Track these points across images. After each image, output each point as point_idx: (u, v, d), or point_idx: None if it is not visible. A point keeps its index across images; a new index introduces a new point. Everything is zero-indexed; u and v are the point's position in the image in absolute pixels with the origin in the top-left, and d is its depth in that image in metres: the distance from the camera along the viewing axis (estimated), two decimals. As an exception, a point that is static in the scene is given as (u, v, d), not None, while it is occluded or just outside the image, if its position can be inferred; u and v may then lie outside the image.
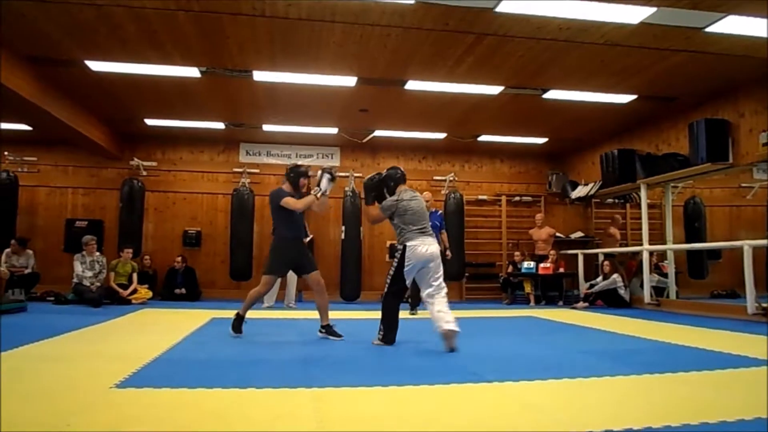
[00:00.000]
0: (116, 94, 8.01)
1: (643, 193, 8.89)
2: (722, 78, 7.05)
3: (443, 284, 4.55)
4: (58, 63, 6.80)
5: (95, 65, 6.82)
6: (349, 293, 9.88)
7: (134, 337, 5.18)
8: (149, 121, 9.49)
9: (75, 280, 8.35)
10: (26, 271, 8.68)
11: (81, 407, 2.59)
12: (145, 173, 10.21)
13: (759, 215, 10.97)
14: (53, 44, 6.26)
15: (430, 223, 4.74)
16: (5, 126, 9.13)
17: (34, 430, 2.22)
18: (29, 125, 9.02)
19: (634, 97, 7.86)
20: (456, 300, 10.64)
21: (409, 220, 4.59)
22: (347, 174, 10.35)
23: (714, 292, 10.41)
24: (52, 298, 8.62)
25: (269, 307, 8.35)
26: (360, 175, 10.41)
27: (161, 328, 5.89)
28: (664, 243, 8.95)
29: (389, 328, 4.63)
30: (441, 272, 4.55)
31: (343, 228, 9.97)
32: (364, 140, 10.17)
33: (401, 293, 4.76)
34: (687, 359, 4.09)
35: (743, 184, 10.68)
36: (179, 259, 9.71)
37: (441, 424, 2.42)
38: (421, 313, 7.26)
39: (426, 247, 4.52)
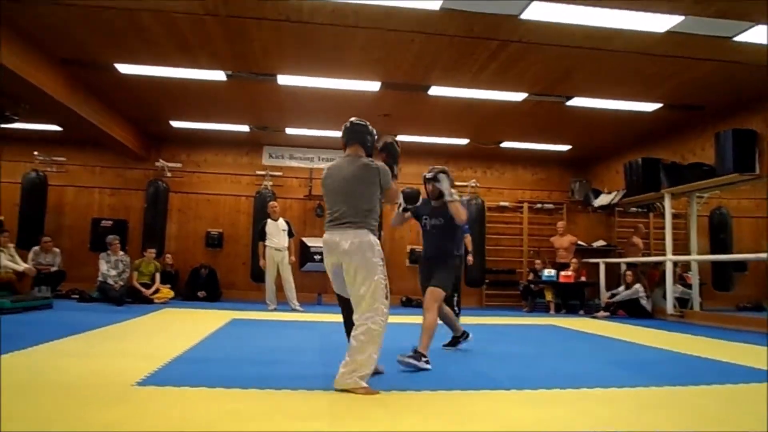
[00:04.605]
0: (143, 96, 8.16)
1: (667, 203, 8.77)
2: (750, 88, 6.93)
3: (379, 308, 3.18)
4: (88, 65, 6.95)
5: (124, 68, 6.95)
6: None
7: (156, 336, 5.26)
8: (175, 123, 9.63)
9: (99, 278, 8.51)
10: (53, 269, 8.86)
11: (103, 404, 2.64)
12: (169, 174, 10.36)
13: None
14: (84, 47, 6.41)
15: (357, 207, 3.28)
16: (36, 126, 9.36)
17: (57, 425, 2.27)
18: (59, 125, 9.23)
19: (659, 105, 7.77)
20: (476, 307, 10.61)
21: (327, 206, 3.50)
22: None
23: (739, 305, 10.21)
24: (77, 296, 8.79)
25: (275, 309, 8.39)
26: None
27: (182, 327, 5.98)
28: (688, 253, 8.81)
29: None
30: (369, 281, 3.18)
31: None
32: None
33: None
34: (708, 372, 4.03)
35: (771, 196, 10.47)
36: (204, 270, 9.85)
37: (461, 429, 2.42)
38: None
39: (331, 245, 3.30)
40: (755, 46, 5.64)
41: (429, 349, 3.94)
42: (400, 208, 4.32)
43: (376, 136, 3.59)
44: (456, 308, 7.67)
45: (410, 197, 4.30)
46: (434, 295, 4.18)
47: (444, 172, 4.30)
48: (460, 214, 4.23)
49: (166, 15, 5.52)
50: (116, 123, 9.06)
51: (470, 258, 7.58)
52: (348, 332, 3.39)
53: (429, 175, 4.40)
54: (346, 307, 3.44)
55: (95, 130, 8.52)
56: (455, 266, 4.46)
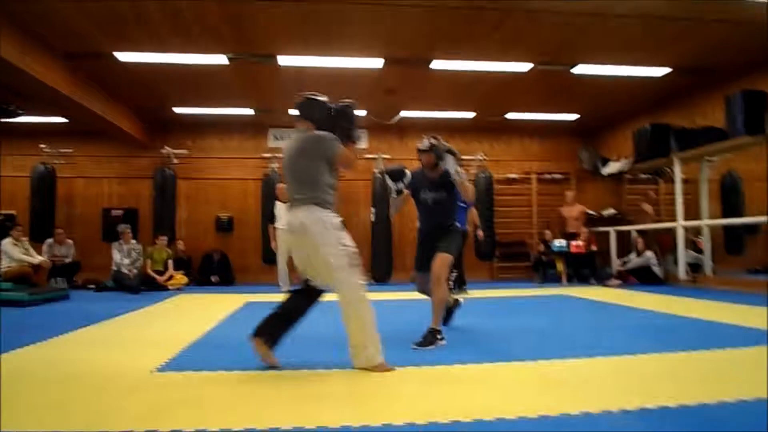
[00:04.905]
0: (146, 84, 8.14)
1: (677, 168, 8.69)
2: (760, 48, 6.79)
3: (340, 280, 3.06)
4: (88, 56, 6.93)
5: (124, 56, 6.93)
6: (381, 275, 9.94)
7: (173, 322, 5.32)
8: (178, 110, 9.62)
9: (114, 267, 8.61)
10: (67, 261, 8.96)
11: (126, 391, 2.68)
12: (176, 161, 10.37)
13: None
14: (84, 38, 6.39)
15: (303, 182, 3.19)
16: (42, 119, 9.37)
17: (80, 414, 2.32)
18: (64, 117, 9.24)
19: (668, 70, 7.65)
20: (487, 280, 10.63)
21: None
22: (375, 156, 10.37)
23: (751, 268, 10.16)
24: (93, 286, 8.89)
25: (288, 291, 8.35)
26: (389, 156, 10.42)
27: (198, 312, 6.04)
28: (699, 219, 8.75)
29: None
30: (328, 257, 3.05)
31: (373, 210, 10.00)
32: (392, 122, 10.14)
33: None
34: (723, 336, 4.02)
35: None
36: (216, 255, 9.91)
37: (474, 402, 2.44)
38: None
39: (289, 225, 3.24)
40: (764, 5, 5.52)
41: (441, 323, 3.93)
42: (393, 192, 4.14)
43: (332, 108, 3.39)
44: (463, 284, 7.72)
45: (395, 173, 4.10)
46: (443, 260, 3.92)
47: (450, 151, 4.07)
48: (469, 192, 4.06)
49: (164, 1, 5.48)
50: (120, 112, 9.06)
51: (480, 232, 7.52)
52: (283, 314, 3.22)
53: (423, 147, 4.08)
54: (297, 290, 3.33)
55: (100, 120, 8.52)
56: (459, 233, 4.24)
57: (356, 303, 3.05)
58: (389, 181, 4.12)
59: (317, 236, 3.06)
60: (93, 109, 7.97)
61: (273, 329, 3.17)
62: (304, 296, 3.29)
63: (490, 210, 10.37)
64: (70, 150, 10.31)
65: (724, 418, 2.20)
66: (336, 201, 3.27)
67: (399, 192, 4.12)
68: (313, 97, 3.40)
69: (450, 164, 4.03)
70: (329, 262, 3.04)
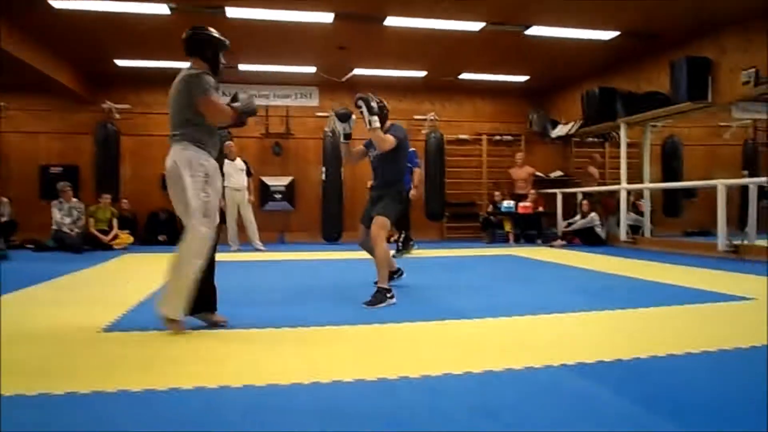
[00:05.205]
0: (83, 34, 7.68)
1: (622, 132, 8.92)
2: (706, 14, 6.96)
3: (192, 225, 3.03)
4: (19, 2, 6.47)
5: (58, 3, 6.50)
6: (331, 234, 9.94)
7: (119, 282, 5.20)
8: (120, 62, 9.17)
9: (54, 227, 8.30)
10: (3, 220, 8.56)
11: (72, 350, 2.64)
12: (118, 116, 9.94)
13: (735, 154, 11.11)
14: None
15: (174, 120, 3.19)
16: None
17: (29, 374, 2.25)
18: (-6, 68, 8.67)
19: (616, 33, 7.76)
20: (437, 239, 10.78)
21: None
22: (327, 114, 10.22)
23: (687, 230, 10.65)
24: (32, 246, 8.54)
25: (238, 250, 8.37)
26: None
27: (144, 272, 5.91)
28: (642, 182, 9.07)
29: None
30: (182, 199, 3.04)
31: (324, 169, 9.91)
32: (343, 79, 9.97)
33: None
34: (661, 295, 4.22)
35: (721, 123, 10.76)
36: (163, 214, 9.60)
37: (422, 359, 2.50)
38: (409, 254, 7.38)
39: None
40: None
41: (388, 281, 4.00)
42: (342, 137, 4.20)
43: (218, 44, 3.31)
44: (410, 242, 7.79)
45: (342, 115, 4.14)
46: (379, 222, 4.08)
47: (363, 98, 3.99)
48: (382, 142, 4.06)
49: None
50: (57, 64, 8.56)
51: (414, 193, 7.22)
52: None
53: (356, 105, 4.05)
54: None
55: (34, 72, 8.04)
56: (400, 196, 4.32)
57: (190, 256, 2.99)
58: (337, 123, 4.18)
59: (178, 177, 3.00)
60: (26, 60, 7.49)
61: (202, 299, 3.09)
62: None
63: (441, 170, 10.43)
64: (2, 103, 9.72)
65: (655, 370, 2.33)
66: (211, 139, 3.16)
67: (347, 136, 4.20)
68: (202, 29, 3.29)
69: (364, 112, 3.97)
70: (189, 203, 2.99)
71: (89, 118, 9.94)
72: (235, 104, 3.22)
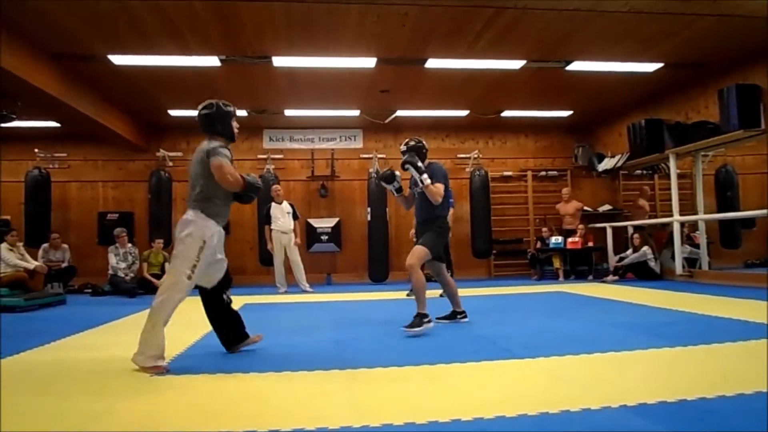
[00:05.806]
0: (139, 87, 8.11)
1: (672, 163, 8.71)
2: (752, 41, 6.81)
3: (170, 282, 3.32)
4: (81, 58, 6.89)
5: (117, 59, 6.89)
6: (378, 274, 9.94)
7: (170, 326, 5.27)
8: (173, 112, 9.58)
9: (110, 271, 8.59)
10: (63, 265, 8.91)
11: (125, 393, 2.68)
12: (171, 164, 10.34)
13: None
14: (75, 39, 6.34)
15: (191, 189, 3.51)
16: (34, 124, 9.33)
17: (83, 418, 2.31)
18: (57, 122, 9.20)
19: (660, 65, 7.66)
20: (485, 277, 10.64)
21: None
22: (371, 155, 10.38)
23: (747, 261, 10.20)
24: (90, 290, 8.85)
25: (285, 292, 8.45)
26: (383, 156, 10.43)
27: (195, 315, 5.94)
28: (695, 213, 8.78)
29: None
30: (178, 263, 3.33)
31: (369, 209, 10.01)
32: (387, 121, 10.14)
33: None
34: (721, 330, 4.03)
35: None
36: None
37: (474, 400, 2.44)
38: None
39: None
40: (757, -2, 5.54)
41: (427, 307, 4.28)
42: (394, 192, 4.70)
43: (225, 115, 3.55)
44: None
45: (386, 178, 4.59)
46: (415, 253, 4.38)
47: (409, 162, 4.37)
48: (437, 195, 4.39)
49: (155, 2, 5.46)
50: (114, 116, 9.02)
51: None
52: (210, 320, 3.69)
53: (401, 149, 4.59)
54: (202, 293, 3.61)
55: (93, 124, 8.48)
56: (441, 230, 4.59)
57: (162, 307, 3.23)
58: (386, 186, 4.65)
59: (179, 239, 3.30)
60: (86, 113, 7.92)
61: (231, 335, 3.64)
62: (209, 297, 3.62)
63: (487, 207, 10.37)
64: (65, 154, 10.27)
65: (722, 411, 2.21)
66: (221, 209, 3.46)
67: (398, 191, 4.70)
68: (205, 107, 3.55)
69: (412, 173, 4.42)
70: (175, 263, 3.28)
71: (143, 166, 10.38)
72: (247, 176, 3.52)
